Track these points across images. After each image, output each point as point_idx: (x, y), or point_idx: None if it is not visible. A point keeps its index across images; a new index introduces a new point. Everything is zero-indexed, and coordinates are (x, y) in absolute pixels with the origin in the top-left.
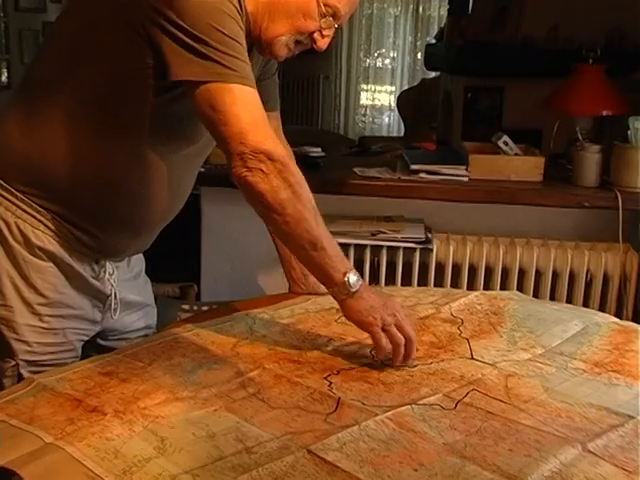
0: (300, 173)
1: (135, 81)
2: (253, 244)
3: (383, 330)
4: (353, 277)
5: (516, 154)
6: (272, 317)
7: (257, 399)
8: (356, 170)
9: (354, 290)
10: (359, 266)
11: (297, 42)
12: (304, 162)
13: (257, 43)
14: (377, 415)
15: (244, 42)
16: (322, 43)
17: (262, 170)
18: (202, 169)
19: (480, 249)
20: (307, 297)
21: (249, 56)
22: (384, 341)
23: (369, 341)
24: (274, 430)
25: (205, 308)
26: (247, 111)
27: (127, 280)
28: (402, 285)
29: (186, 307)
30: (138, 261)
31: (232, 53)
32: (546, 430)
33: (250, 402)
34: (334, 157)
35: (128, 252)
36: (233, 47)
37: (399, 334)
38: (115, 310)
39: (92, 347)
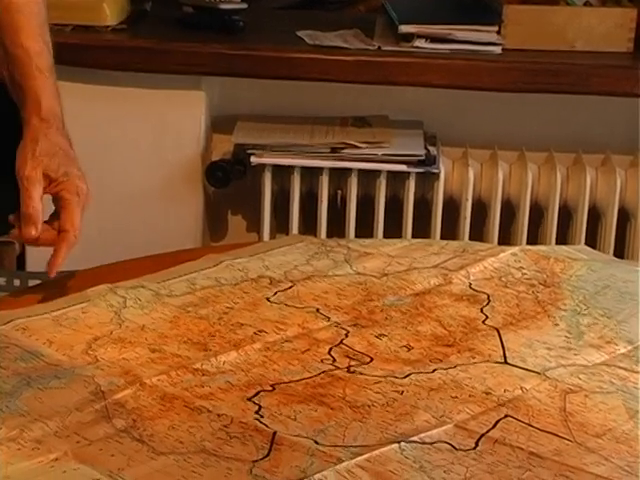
0: None
1: None
2: (114, 164)
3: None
4: None
5: (587, 3)
6: (157, 294)
7: (131, 438)
8: (303, 36)
9: None
10: (311, 202)
11: None
12: (212, 21)
13: None
14: (341, 461)
15: None
16: None
17: None
18: None
19: (521, 173)
20: (217, 257)
21: None
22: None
23: (326, 333)
24: None
25: (35, 282)
26: None
27: None
28: (386, 237)
29: (1, 281)
30: None
31: None
32: None
33: (118, 444)
34: (264, 12)
35: None
36: None
37: None
38: None
39: None
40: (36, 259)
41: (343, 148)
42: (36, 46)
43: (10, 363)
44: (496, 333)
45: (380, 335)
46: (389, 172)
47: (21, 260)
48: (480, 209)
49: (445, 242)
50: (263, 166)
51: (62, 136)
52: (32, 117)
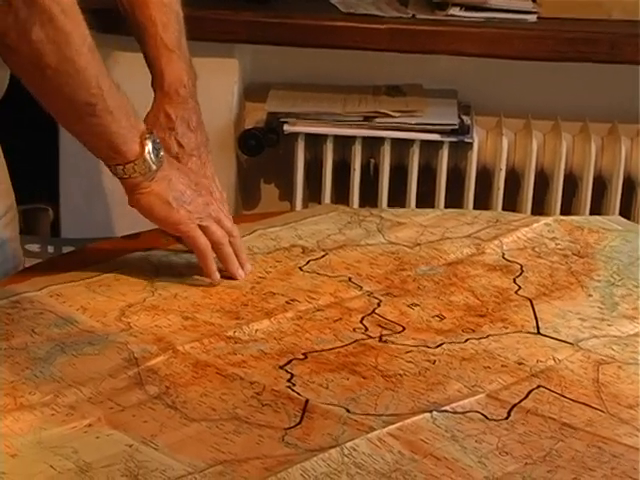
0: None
1: None
2: None
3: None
4: (152, 146)
5: None
6: (189, 262)
7: (164, 405)
8: (337, 3)
9: (155, 168)
10: (344, 171)
11: None
12: None
13: None
14: (373, 430)
15: None
16: None
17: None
18: None
19: (555, 143)
20: (249, 226)
21: None
22: (204, 241)
23: (358, 302)
24: (194, 458)
25: (69, 249)
26: None
27: None
28: (418, 206)
29: (35, 247)
30: None
31: None
32: None
33: (151, 410)
34: None
35: None
36: None
37: (219, 229)
38: None
39: None
40: (70, 226)
41: (376, 117)
42: (164, 17)
43: (44, 329)
44: (529, 303)
45: (412, 305)
46: (422, 141)
47: (55, 227)
48: (514, 179)
49: (478, 212)
50: (296, 135)
51: (184, 110)
52: (157, 90)
